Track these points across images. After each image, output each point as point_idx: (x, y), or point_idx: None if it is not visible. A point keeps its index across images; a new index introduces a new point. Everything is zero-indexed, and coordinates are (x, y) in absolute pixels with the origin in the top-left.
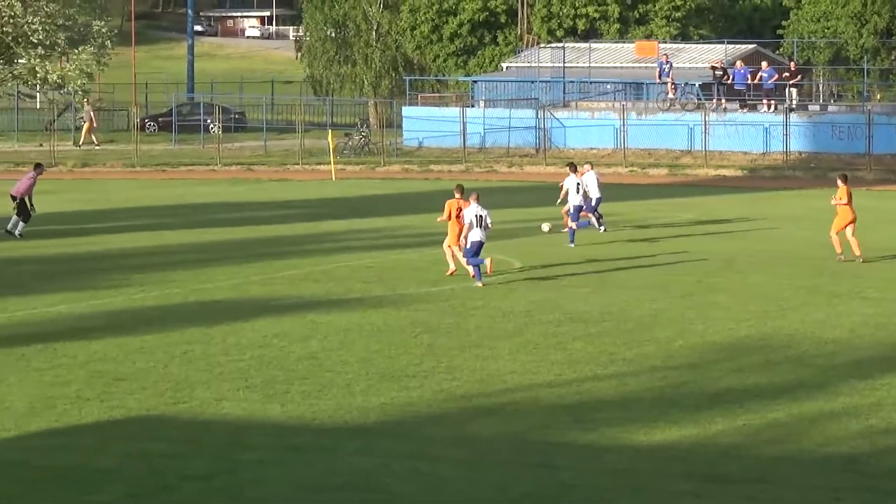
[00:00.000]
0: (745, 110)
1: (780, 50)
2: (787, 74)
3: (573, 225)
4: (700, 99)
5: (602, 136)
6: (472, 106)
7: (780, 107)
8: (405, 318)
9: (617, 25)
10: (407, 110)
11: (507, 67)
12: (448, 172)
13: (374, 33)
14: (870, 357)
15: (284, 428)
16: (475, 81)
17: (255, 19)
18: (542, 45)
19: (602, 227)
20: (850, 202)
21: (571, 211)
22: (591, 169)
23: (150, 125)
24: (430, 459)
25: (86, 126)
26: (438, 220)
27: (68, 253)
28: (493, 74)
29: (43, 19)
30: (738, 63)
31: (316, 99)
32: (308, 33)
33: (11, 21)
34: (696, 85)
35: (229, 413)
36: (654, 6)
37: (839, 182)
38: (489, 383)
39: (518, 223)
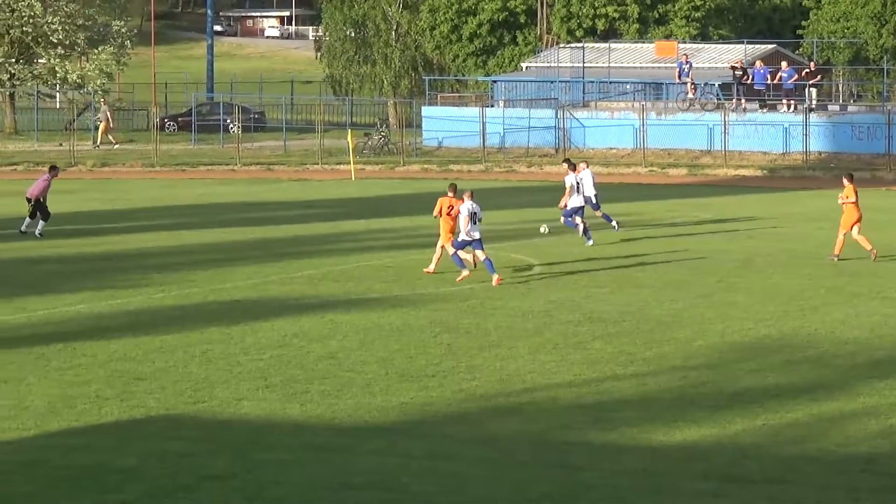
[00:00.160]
0: (764, 110)
1: (800, 50)
2: (808, 72)
3: (580, 221)
4: (720, 99)
5: (621, 136)
6: (492, 106)
7: (799, 107)
8: (424, 317)
9: (636, 25)
10: (426, 110)
11: (526, 67)
12: (468, 172)
13: (393, 33)
14: (890, 357)
15: (304, 427)
16: (494, 81)
17: (274, 19)
18: (561, 45)
19: (587, 237)
20: (856, 201)
21: (567, 208)
22: (587, 167)
23: (169, 125)
24: (449, 459)
25: (102, 126)
26: (434, 216)
27: (88, 252)
28: (513, 74)
29: (63, 19)
30: (758, 63)
31: (335, 99)
32: (327, 33)
33: (31, 21)
34: (716, 85)
35: (249, 412)
36: (674, 6)
37: (845, 181)
38: (508, 383)
39: (537, 223)
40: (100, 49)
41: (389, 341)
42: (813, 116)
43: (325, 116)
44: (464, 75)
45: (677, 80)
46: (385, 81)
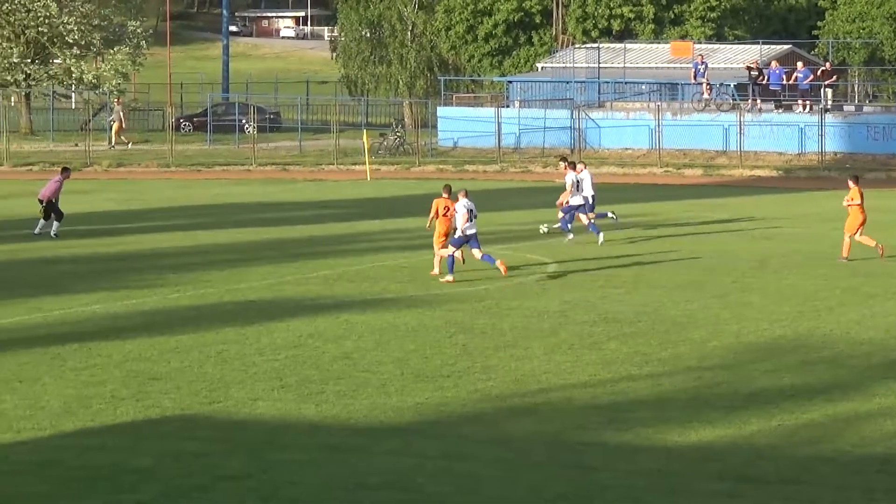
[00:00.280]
0: (780, 111)
1: (816, 50)
2: (823, 71)
3: (585, 220)
4: (735, 99)
5: (637, 137)
6: (507, 106)
7: (815, 107)
8: (440, 318)
9: (652, 26)
10: (442, 110)
11: (541, 68)
12: (483, 172)
13: (408, 34)
14: None
15: (319, 428)
16: (510, 82)
17: (289, 19)
18: (576, 46)
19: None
20: (861, 203)
21: (565, 207)
22: (585, 168)
23: (185, 125)
24: (464, 459)
25: (115, 127)
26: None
27: (103, 253)
28: (528, 75)
29: (78, 19)
30: (774, 63)
31: (351, 99)
32: (343, 33)
33: (47, 21)
34: (732, 85)
35: (264, 413)
36: (689, 6)
37: (850, 183)
38: (524, 383)
39: (552, 223)
40: (115, 49)
41: (405, 341)
42: (828, 117)
43: (340, 117)
44: (479, 76)
45: (693, 81)
46: (400, 82)
